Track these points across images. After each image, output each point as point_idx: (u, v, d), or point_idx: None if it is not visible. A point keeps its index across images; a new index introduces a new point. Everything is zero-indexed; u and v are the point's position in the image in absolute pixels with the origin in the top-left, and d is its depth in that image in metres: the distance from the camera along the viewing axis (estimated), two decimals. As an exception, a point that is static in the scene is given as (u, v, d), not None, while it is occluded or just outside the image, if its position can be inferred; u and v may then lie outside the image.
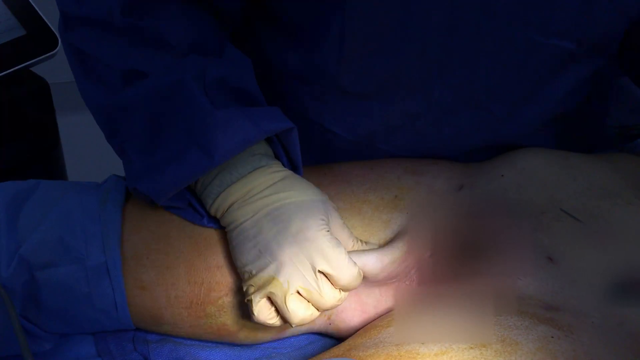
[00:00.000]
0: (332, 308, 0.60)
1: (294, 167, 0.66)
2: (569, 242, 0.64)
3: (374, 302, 0.66)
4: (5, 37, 0.93)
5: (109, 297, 0.63)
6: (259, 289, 0.58)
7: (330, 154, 0.77)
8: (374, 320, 0.65)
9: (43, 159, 1.00)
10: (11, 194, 0.65)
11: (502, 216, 0.67)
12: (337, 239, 0.60)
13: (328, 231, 0.59)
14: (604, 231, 0.64)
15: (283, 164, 0.65)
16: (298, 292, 0.58)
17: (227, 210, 0.61)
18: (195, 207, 0.64)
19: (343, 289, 0.60)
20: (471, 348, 0.56)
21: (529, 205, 0.67)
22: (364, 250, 0.64)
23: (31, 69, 0.94)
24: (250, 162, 0.61)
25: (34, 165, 0.99)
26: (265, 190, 0.60)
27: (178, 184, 0.60)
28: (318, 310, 0.60)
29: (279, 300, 0.58)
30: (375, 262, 0.63)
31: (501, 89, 0.70)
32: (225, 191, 0.61)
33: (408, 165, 0.72)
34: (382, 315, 0.65)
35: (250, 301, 0.59)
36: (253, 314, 0.59)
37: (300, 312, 0.58)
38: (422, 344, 0.57)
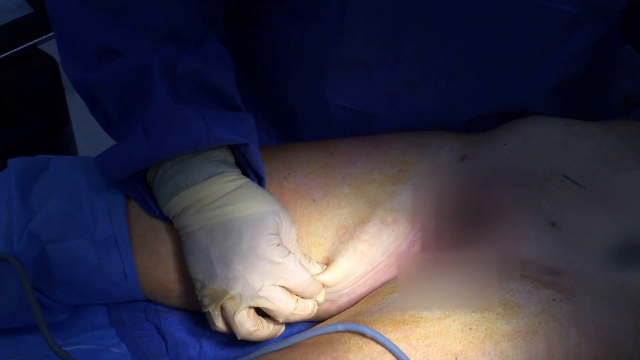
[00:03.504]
0: (293, 318, 0.61)
1: (258, 179, 0.65)
2: (571, 208, 0.64)
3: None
4: (13, 15, 0.94)
5: (118, 268, 0.65)
6: (214, 301, 0.60)
7: (332, 126, 0.78)
8: (378, 287, 0.66)
9: (53, 137, 1.01)
10: (22, 169, 0.67)
11: (505, 184, 0.67)
12: (287, 249, 0.61)
13: (278, 245, 0.60)
14: (607, 196, 0.64)
15: (247, 175, 0.65)
16: (251, 307, 0.60)
17: (179, 214, 0.61)
18: (149, 204, 0.64)
19: (301, 295, 0.61)
20: (473, 312, 0.57)
21: (532, 172, 0.68)
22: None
23: (39, 47, 0.95)
24: (207, 168, 0.61)
25: (45, 143, 1.00)
26: (218, 201, 0.60)
27: (121, 168, 0.61)
28: (278, 319, 0.61)
29: (229, 315, 0.60)
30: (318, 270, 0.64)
31: (504, 56, 0.70)
32: (179, 195, 0.61)
33: (412, 139, 0.73)
34: (386, 282, 0.66)
35: (209, 313, 0.61)
36: (213, 327, 0.61)
37: (247, 326, 0.60)
38: (426, 308, 0.58)
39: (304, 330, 0.61)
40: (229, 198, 0.60)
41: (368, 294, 0.66)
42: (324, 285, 0.64)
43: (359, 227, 0.66)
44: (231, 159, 0.64)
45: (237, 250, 0.59)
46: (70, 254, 0.64)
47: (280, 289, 0.60)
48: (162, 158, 0.60)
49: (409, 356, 0.54)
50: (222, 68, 0.64)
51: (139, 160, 0.60)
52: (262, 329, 0.61)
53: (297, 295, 0.62)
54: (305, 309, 0.62)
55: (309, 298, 0.62)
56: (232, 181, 0.62)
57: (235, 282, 0.59)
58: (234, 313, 0.59)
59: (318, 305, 0.63)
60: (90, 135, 0.96)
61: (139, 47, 0.61)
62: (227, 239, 0.59)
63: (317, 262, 0.65)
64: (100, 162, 0.62)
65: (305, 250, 0.66)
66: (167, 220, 0.65)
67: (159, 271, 0.66)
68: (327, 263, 0.66)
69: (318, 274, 0.64)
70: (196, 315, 0.68)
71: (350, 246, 0.65)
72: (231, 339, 0.64)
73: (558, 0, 0.66)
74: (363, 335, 0.56)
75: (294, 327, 0.67)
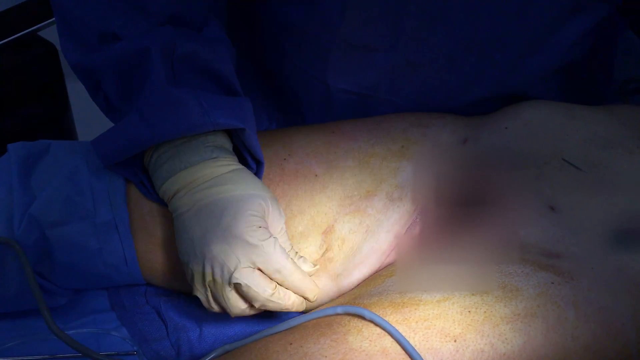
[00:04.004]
0: (270, 306, 0.59)
1: (257, 163, 0.65)
2: (570, 191, 0.64)
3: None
4: (13, 1, 0.94)
5: (118, 252, 0.65)
6: (199, 283, 0.59)
7: (334, 110, 0.78)
8: (377, 271, 0.66)
9: (53, 123, 1.01)
10: (23, 154, 0.67)
11: (505, 167, 0.67)
12: (268, 232, 0.59)
13: (260, 227, 0.58)
14: (605, 180, 0.65)
15: (245, 159, 0.64)
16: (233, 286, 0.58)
17: (172, 197, 0.61)
18: (147, 187, 0.65)
19: (281, 284, 0.59)
20: (473, 295, 0.57)
21: (532, 156, 0.68)
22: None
23: (39, 33, 0.95)
24: (201, 153, 0.61)
25: (45, 130, 1.01)
26: (207, 183, 0.60)
27: (118, 151, 0.61)
28: (254, 303, 0.59)
29: (217, 296, 0.59)
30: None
31: (504, 37, 0.70)
32: (172, 178, 0.61)
33: (414, 119, 0.73)
34: (387, 266, 0.66)
35: (199, 293, 0.60)
36: (207, 306, 0.61)
37: (238, 304, 0.59)
38: (425, 291, 0.58)
39: (303, 314, 0.61)
40: (217, 180, 0.60)
41: (368, 278, 0.66)
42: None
43: (365, 200, 0.66)
44: (228, 145, 0.64)
45: (216, 230, 0.58)
46: (70, 238, 0.64)
47: (257, 272, 0.58)
48: (157, 141, 0.60)
49: (408, 338, 0.54)
50: (222, 53, 0.64)
51: (134, 143, 0.60)
52: (254, 309, 0.60)
53: (276, 282, 0.59)
54: (284, 299, 0.59)
55: (295, 292, 0.60)
56: (224, 165, 0.61)
57: (213, 262, 0.58)
58: (221, 293, 0.58)
59: (311, 301, 0.61)
60: (90, 122, 0.96)
61: (140, 31, 0.61)
62: (209, 218, 0.58)
63: (310, 262, 0.63)
64: (98, 144, 0.62)
65: (309, 222, 0.66)
66: (164, 204, 0.65)
67: (158, 255, 0.66)
68: (331, 232, 0.65)
69: (309, 272, 0.62)
70: (197, 299, 0.69)
71: (357, 220, 0.65)
72: (231, 321, 0.64)
73: None
74: (362, 317, 0.57)
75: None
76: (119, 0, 0.62)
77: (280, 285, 0.59)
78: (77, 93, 0.99)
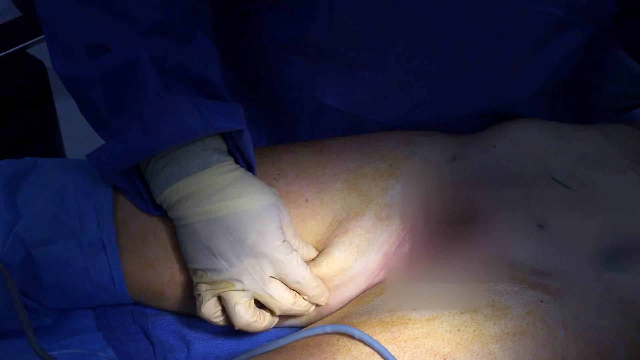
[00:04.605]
0: (289, 312, 0.63)
1: (248, 167, 0.65)
2: (559, 210, 0.64)
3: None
4: (1, 18, 0.93)
5: (105, 271, 0.64)
6: (212, 288, 0.61)
7: (322, 127, 0.78)
8: (366, 290, 0.66)
9: (41, 141, 1.01)
10: (8, 172, 0.66)
11: (494, 185, 0.67)
12: (290, 246, 0.62)
13: (284, 241, 0.61)
14: (594, 199, 0.65)
15: (237, 160, 0.65)
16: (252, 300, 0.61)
17: (174, 204, 0.61)
18: (144, 197, 0.64)
19: (299, 292, 0.63)
20: (462, 313, 0.56)
21: (521, 174, 0.68)
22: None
23: (27, 50, 0.95)
24: (201, 157, 0.61)
25: (32, 147, 1.00)
26: (218, 195, 0.60)
27: (118, 162, 0.60)
28: (275, 313, 0.62)
29: (229, 305, 0.60)
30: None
31: (491, 56, 0.71)
32: (174, 185, 0.60)
33: (402, 137, 0.73)
34: (375, 284, 0.66)
35: (200, 296, 0.61)
36: (200, 310, 0.62)
37: (247, 317, 0.60)
38: (414, 309, 0.58)
39: (293, 332, 0.61)
40: (228, 192, 0.60)
41: (357, 296, 0.66)
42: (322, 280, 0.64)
43: (354, 221, 0.66)
44: (224, 147, 0.64)
45: (242, 246, 0.59)
46: (56, 257, 0.63)
47: (280, 284, 0.61)
48: (160, 149, 0.60)
49: (397, 358, 0.54)
50: (212, 63, 0.64)
51: (137, 152, 0.60)
52: (259, 321, 0.61)
53: (295, 290, 0.62)
54: (302, 305, 0.63)
55: (310, 299, 0.63)
56: (229, 172, 0.62)
57: (241, 276, 0.60)
58: (235, 304, 0.60)
59: (319, 305, 0.65)
60: (78, 140, 0.96)
61: (128, 42, 0.61)
62: (231, 234, 0.59)
63: (312, 248, 0.66)
64: (95, 157, 0.61)
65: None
66: (159, 214, 0.64)
67: (147, 274, 0.66)
68: (322, 254, 0.66)
69: (315, 264, 0.64)
70: (185, 318, 0.68)
71: (347, 240, 0.65)
72: (219, 342, 0.64)
73: (542, 3, 0.66)
74: (351, 336, 0.56)
75: (282, 329, 0.66)
76: (106, 11, 0.61)
77: (298, 293, 0.63)
78: (65, 110, 0.99)
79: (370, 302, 0.61)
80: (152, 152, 0.60)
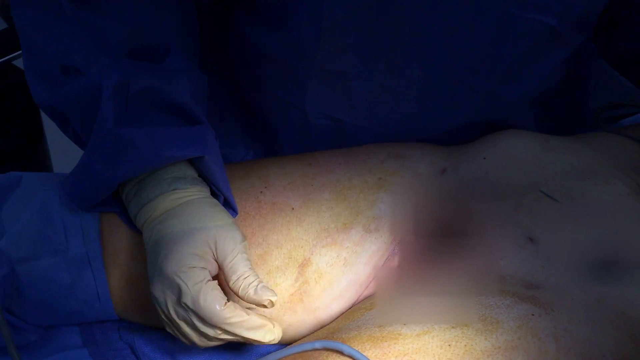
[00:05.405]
0: (200, 345, 0.58)
1: (221, 191, 0.63)
2: (549, 223, 0.64)
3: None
4: (-14, 31, 0.93)
5: (91, 287, 0.63)
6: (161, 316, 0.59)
7: (310, 140, 0.77)
8: (356, 303, 0.65)
9: (28, 153, 1.00)
10: (-7, 186, 0.65)
11: (483, 198, 0.67)
12: (202, 274, 0.56)
13: (192, 267, 0.56)
14: (582, 211, 0.65)
15: (211, 187, 0.63)
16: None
17: (142, 229, 0.62)
18: (127, 214, 0.64)
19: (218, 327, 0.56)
20: (453, 328, 0.56)
21: (510, 187, 0.68)
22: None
23: (13, 62, 0.94)
24: (160, 186, 0.60)
25: (19, 160, 0.99)
26: (158, 218, 0.60)
27: (87, 194, 0.61)
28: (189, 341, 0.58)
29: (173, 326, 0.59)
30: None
31: (482, 65, 0.70)
32: (139, 212, 0.61)
33: (391, 150, 0.73)
34: (365, 298, 0.65)
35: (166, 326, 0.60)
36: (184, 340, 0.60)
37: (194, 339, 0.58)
38: (404, 324, 0.57)
39: (281, 349, 0.60)
40: (166, 215, 0.59)
41: (347, 311, 0.65)
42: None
43: (342, 233, 0.65)
44: (191, 173, 0.62)
45: (156, 268, 0.57)
46: (41, 273, 0.62)
47: (185, 315, 0.57)
48: (118, 181, 0.60)
49: (387, 374, 0.53)
50: (181, 83, 0.62)
51: (100, 185, 0.60)
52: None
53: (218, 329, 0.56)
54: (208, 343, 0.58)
55: (242, 338, 0.57)
56: (178, 198, 0.60)
57: (156, 300, 0.58)
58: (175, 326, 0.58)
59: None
60: (66, 153, 0.95)
61: (98, 65, 0.61)
62: (153, 256, 0.58)
63: (271, 290, 0.57)
64: (68, 189, 0.62)
65: (286, 256, 0.65)
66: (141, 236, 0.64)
67: (132, 290, 0.65)
68: (307, 265, 0.64)
69: (273, 302, 0.57)
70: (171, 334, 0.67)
71: (334, 252, 0.64)
72: (207, 357, 0.63)
73: (534, 11, 0.66)
74: (341, 353, 0.55)
75: (271, 345, 0.65)
76: (80, 32, 0.61)
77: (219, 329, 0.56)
78: (52, 123, 0.98)
79: (360, 316, 0.60)
80: (111, 184, 0.60)
